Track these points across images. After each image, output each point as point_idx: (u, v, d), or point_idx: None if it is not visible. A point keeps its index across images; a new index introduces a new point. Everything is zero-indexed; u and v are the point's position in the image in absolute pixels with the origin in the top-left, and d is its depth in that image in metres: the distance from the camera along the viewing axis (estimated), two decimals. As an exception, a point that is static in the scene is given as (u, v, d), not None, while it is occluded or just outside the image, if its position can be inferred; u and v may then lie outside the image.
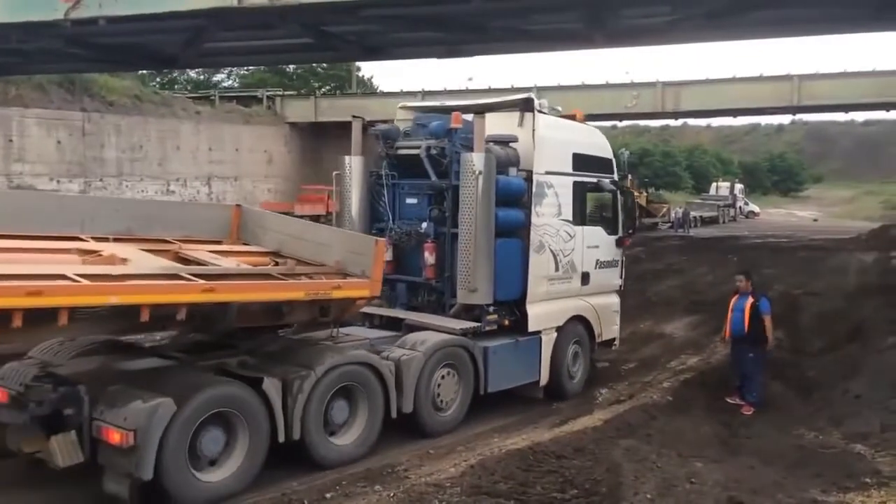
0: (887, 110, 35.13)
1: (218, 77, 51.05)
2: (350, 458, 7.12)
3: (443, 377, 8.07)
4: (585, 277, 9.79)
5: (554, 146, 9.22)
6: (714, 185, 60.48)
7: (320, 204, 29.51)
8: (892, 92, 26.56)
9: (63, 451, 5.76)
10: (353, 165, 9.43)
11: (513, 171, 8.83)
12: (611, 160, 10.49)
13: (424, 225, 8.93)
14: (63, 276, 5.48)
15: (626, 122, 37.20)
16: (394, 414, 7.56)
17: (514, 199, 8.79)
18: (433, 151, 8.82)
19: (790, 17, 19.65)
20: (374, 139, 9.39)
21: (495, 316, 8.77)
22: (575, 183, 9.51)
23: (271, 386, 6.49)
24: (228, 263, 7.19)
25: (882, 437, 8.07)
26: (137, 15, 23.81)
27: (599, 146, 10.24)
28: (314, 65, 43.40)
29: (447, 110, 9.43)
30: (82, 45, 18.70)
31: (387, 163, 9.29)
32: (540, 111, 9.16)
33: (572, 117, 10.02)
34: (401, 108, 10.55)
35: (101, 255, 6.38)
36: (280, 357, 7.19)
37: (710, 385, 10.36)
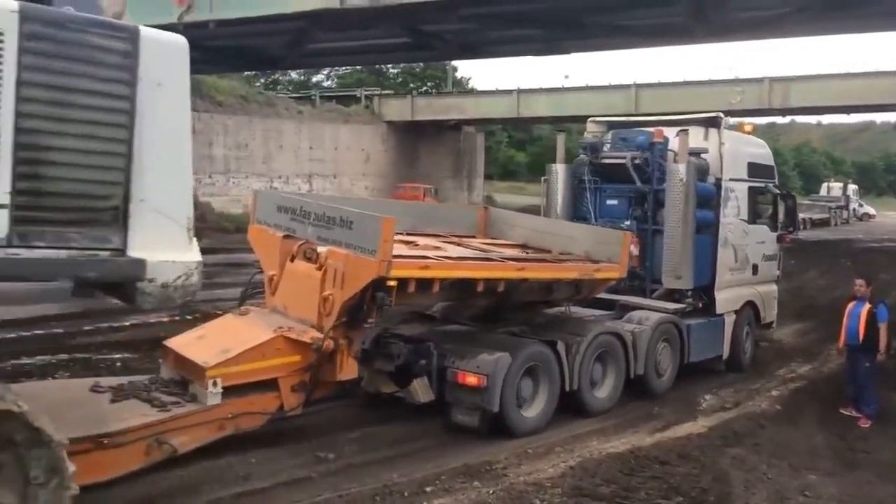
0: None
1: (317, 77, 52.17)
2: (603, 409, 8.54)
3: (662, 348, 9.49)
4: (755, 268, 11.19)
5: (735, 157, 10.69)
6: (825, 185, 57.19)
7: (416, 201, 29.43)
8: None
9: (422, 391, 7.30)
10: (559, 171, 11.04)
11: (710, 178, 10.40)
12: (773, 167, 11.92)
13: (627, 223, 10.26)
14: (425, 258, 7.20)
15: (730, 120, 35.26)
16: (632, 375, 8.91)
17: (706, 201, 10.25)
18: (637, 161, 10.26)
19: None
20: (581, 150, 11.13)
21: (691, 299, 10.20)
22: (749, 188, 10.96)
23: (563, 347, 7.99)
24: (509, 252, 8.83)
25: None
26: (245, 18, 24.55)
27: (766, 156, 11.76)
28: (411, 65, 43.46)
29: (633, 125, 11.52)
30: (194, 47, 19.12)
31: (589, 169, 10.79)
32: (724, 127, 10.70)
33: (741, 130, 11.77)
34: (590, 121, 12.00)
35: (418, 245, 7.95)
36: (548, 327, 8.58)
37: (822, 395, 9.80)
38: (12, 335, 10.10)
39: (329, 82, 50.95)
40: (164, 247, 4.12)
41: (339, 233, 6.60)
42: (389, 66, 48.38)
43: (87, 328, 10.70)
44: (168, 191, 4.14)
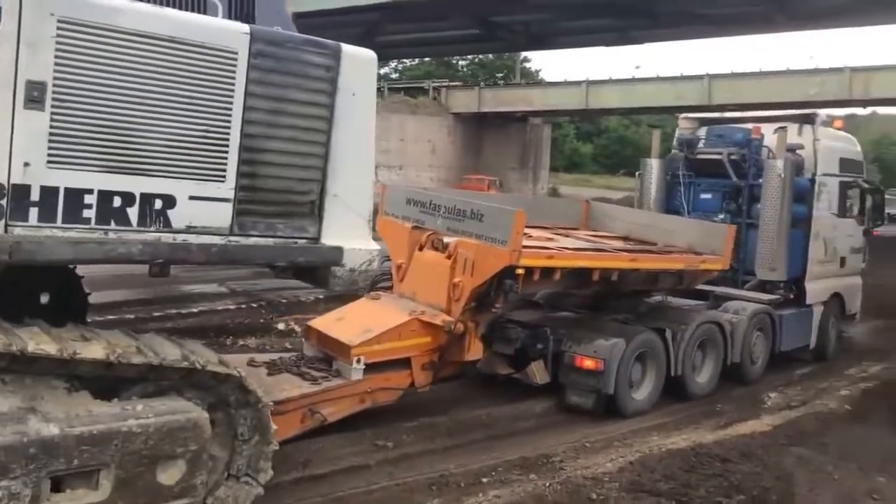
0: None
1: (384, 70, 52.97)
2: (703, 394, 9.06)
3: (756, 337, 9.98)
4: (843, 261, 11.65)
5: (829, 153, 11.14)
6: (906, 179, 55.29)
7: (481, 192, 30.01)
8: None
9: (539, 373, 7.86)
10: (654, 166, 11.55)
11: (805, 174, 10.82)
12: (862, 162, 12.34)
13: (721, 216, 10.83)
14: (545, 248, 7.78)
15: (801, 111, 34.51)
16: (729, 362, 9.40)
17: (801, 196, 10.65)
18: (734, 157, 10.82)
19: None
20: (678, 146, 11.74)
21: (783, 291, 10.70)
22: (840, 182, 11.39)
23: (669, 334, 8.57)
24: (616, 243, 9.44)
25: None
26: (321, 10, 25.37)
27: (855, 152, 12.16)
28: (481, 57, 43.92)
29: (727, 121, 12.26)
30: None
31: (684, 164, 11.37)
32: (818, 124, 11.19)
33: (833, 126, 11.91)
34: (682, 118, 12.70)
35: (532, 237, 8.26)
36: (651, 316, 9.11)
37: (894, 396, 9.64)
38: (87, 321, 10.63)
39: (396, 75, 51.74)
40: (350, 236, 4.79)
41: (470, 224, 7.23)
42: (458, 58, 48.83)
43: (157, 314, 10.95)
44: (355, 187, 4.79)
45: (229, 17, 4.54)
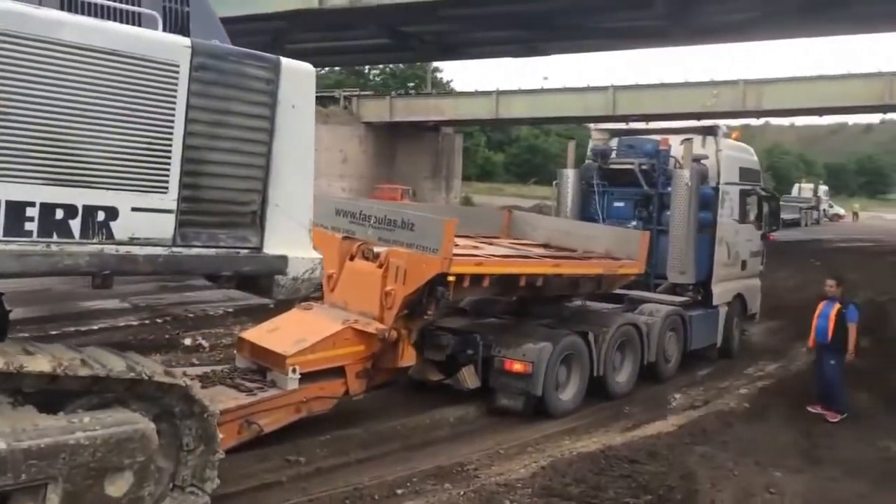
0: None
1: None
2: (623, 393, 9.53)
3: (670, 337, 10.60)
4: (744, 264, 12.49)
5: (730, 163, 11.98)
6: (797, 186, 59.00)
7: (394, 202, 30.20)
8: None
9: (470, 378, 8.17)
10: (570, 175, 12.20)
11: (710, 182, 11.61)
12: (759, 171, 13.24)
13: (633, 223, 11.49)
14: (474, 256, 8.13)
15: (705, 122, 36.38)
16: (645, 362, 9.96)
17: (706, 203, 11.42)
18: (644, 167, 11.49)
19: (884, 11, 19.20)
20: (591, 156, 12.30)
21: (692, 293, 11.40)
22: (741, 190, 12.23)
23: (592, 337, 8.97)
24: (538, 251, 9.82)
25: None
26: (225, 17, 25.01)
27: (753, 161, 13.07)
28: (392, 66, 44.15)
29: (635, 132, 13.07)
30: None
31: (598, 174, 11.96)
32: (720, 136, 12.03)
33: (731, 137, 12.81)
34: (595, 129, 13.42)
35: (458, 245, 8.34)
36: (573, 320, 9.51)
37: (789, 393, 10.14)
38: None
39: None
40: (292, 245, 4.91)
41: (401, 234, 7.51)
42: (370, 67, 48.79)
43: (54, 332, 10.48)
44: (295, 197, 4.93)
45: (165, 30, 4.57)
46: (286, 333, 6.99)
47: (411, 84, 50.07)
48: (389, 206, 8.76)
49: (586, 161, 12.45)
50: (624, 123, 27.58)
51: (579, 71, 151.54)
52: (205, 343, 10.56)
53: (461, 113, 38.20)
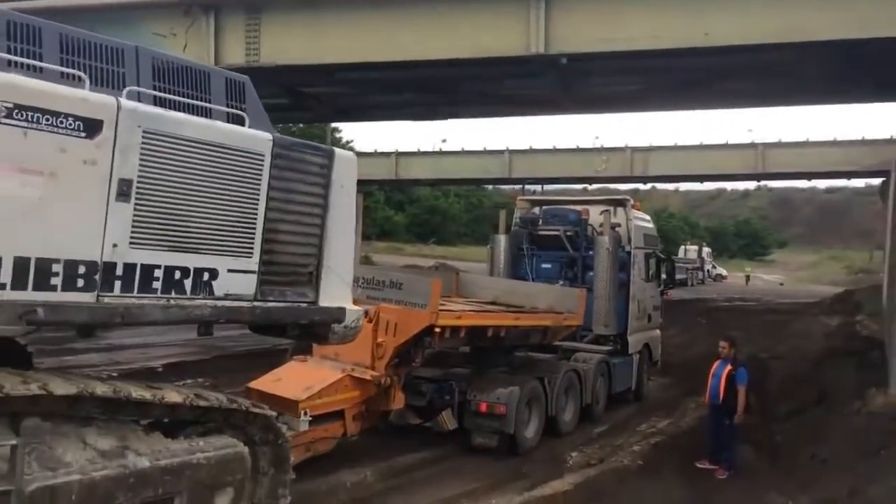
0: (848, 178, 36.43)
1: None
2: (569, 430, 10.94)
3: (600, 382, 12.06)
4: (649, 317, 14.39)
5: (638, 230, 13.82)
6: (682, 247, 62.09)
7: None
8: (852, 160, 27.70)
9: (448, 421, 9.31)
10: (501, 240, 13.71)
11: (625, 247, 13.26)
12: (657, 236, 15.24)
13: (560, 282, 12.94)
14: (450, 310, 9.19)
15: (595, 186, 37.73)
16: (583, 404, 11.36)
17: (622, 265, 13.07)
18: (569, 233, 13.25)
19: (753, 89, 20.61)
20: (520, 223, 13.76)
21: (612, 343, 13.02)
22: (645, 253, 14.09)
23: (547, 381, 10.34)
24: (491, 307, 10.92)
25: (849, 502, 8.15)
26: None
27: (652, 228, 15.14)
28: (292, 125, 43.73)
29: (557, 202, 14.67)
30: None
31: (527, 238, 13.55)
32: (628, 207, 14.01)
33: (634, 207, 14.57)
34: (520, 199, 14.81)
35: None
36: (525, 367, 10.82)
37: (680, 449, 10.61)
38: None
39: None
40: (339, 299, 5.93)
41: (389, 292, 8.54)
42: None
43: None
44: (342, 259, 5.97)
45: (227, 121, 5.55)
46: (292, 382, 7.85)
47: (311, 144, 49.79)
48: (376, 269, 10.01)
49: (513, 227, 13.99)
50: (520, 186, 28.29)
51: (474, 132, 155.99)
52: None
53: (361, 173, 36.29)
